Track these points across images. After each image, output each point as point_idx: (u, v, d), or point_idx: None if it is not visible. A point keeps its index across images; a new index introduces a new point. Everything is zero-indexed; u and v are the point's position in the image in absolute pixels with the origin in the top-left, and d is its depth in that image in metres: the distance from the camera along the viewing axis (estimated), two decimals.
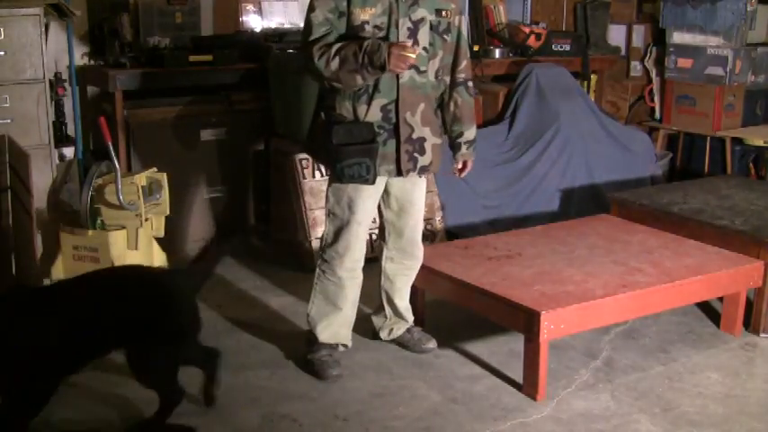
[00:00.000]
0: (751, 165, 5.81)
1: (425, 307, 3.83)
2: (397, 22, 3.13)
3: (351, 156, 3.12)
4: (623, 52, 6.30)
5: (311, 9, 3.14)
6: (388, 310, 3.60)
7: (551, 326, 3.12)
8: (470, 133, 3.43)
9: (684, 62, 5.93)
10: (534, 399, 3.20)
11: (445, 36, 3.25)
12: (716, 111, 5.78)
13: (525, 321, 3.16)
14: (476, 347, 3.64)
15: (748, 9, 5.77)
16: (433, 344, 3.60)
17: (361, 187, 3.23)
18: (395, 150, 3.23)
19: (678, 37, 6.05)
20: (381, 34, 3.11)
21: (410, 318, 3.64)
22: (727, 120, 5.81)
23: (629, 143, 5.44)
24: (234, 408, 3.12)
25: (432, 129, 3.28)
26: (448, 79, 3.34)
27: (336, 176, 3.19)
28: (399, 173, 3.26)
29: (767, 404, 3.23)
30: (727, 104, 5.79)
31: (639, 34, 6.31)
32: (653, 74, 6.25)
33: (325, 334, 3.40)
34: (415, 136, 3.24)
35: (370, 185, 3.22)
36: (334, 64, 3.03)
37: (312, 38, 3.10)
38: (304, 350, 3.45)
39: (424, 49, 3.19)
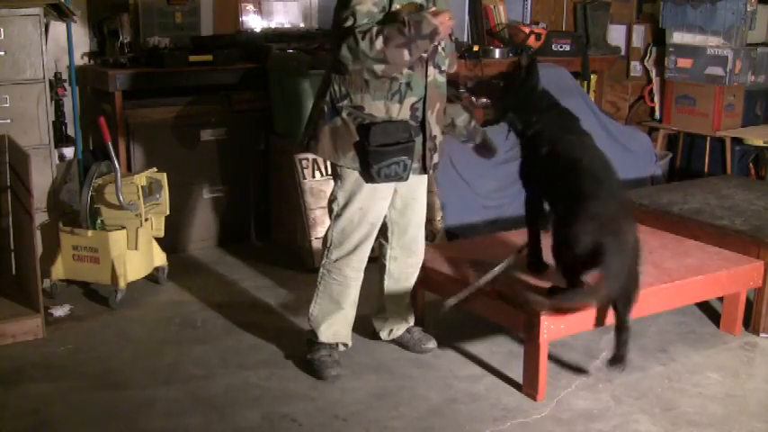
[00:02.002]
0: (751, 165, 5.81)
1: (425, 307, 3.83)
2: None
3: (391, 156, 3.11)
4: (623, 52, 6.30)
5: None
6: (389, 310, 3.60)
7: (551, 326, 3.12)
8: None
9: (684, 62, 5.93)
10: (534, 399, 3.20)
11: (452, 37, 3.32)
12: (716, 111, 5.79)
13: (525, 321, 3.16)
14: (476, 347, 3.64)
15: (748, 9, 5.77)
16: (432, 344, 3.60)
17: (376, 189, 3.22)
18: (422, 148, 3.25)
19: (678, 37, 6.05)
20: None
21: (411, 318, 3.64)
22: (727, 120, 5.81)
23: (629, 143, 5.44)
24: (234, 408, 3.12)
25: (440, 127, 3.33)
26: None
27: (371, 177, 3.16)
28: (423, 170, 3.29)
29: (767, 404, 3.23)
30: (727, 104, 5.79)
31: (639, 34, 6.31)
32: (653, 74, 6.25)
33: (326, 334, 3.39)
34: (433, 133, 3.27)
35: (404, 182, 3.23)
36: (379, 43, 2.97)
37: (354, 25, 3.00)
38: (304, 350, 3.45)
39: (443, 48, 3.24)
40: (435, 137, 3.29)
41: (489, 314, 3.41)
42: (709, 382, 3.36)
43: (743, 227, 3.92)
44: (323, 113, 3.20)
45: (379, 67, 3.03)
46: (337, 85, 3.16)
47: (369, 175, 3.16)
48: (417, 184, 3.38)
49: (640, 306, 3.40)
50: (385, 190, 3.26)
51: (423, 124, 3.22)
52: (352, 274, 3.33)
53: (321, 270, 3.38)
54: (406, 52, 3.01)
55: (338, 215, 3.29)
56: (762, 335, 3.79)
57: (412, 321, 3.65)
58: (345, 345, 3.47)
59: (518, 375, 3.30)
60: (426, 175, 3.39)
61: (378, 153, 3.10)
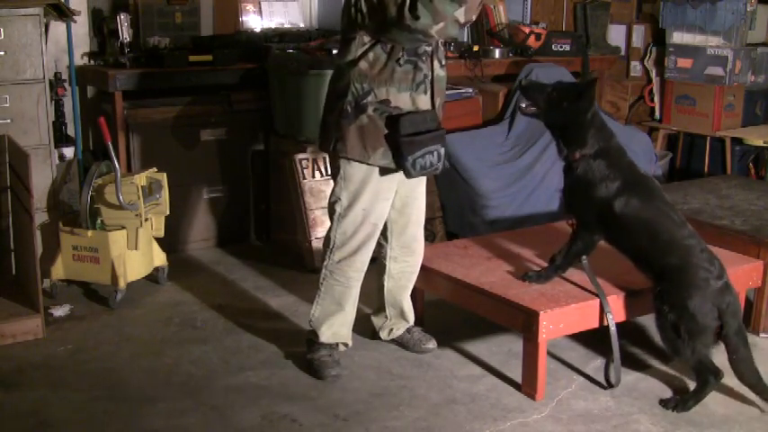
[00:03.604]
0: (751, 165, 5.80)
1: (425, 307, 3.83)
2: None
3: (423, 145, 3.07)
4: (623, 52, 6.30)
5: None
6: (390, 310, 3.59)
7: (550, 326, 3.13)
8: None
9: (684, 62, 5.92)
10: (533, 399, 3.20)
11: None
12: (716, 111, 5.78)
13: (524, 321, 3.16)
14: (475, 347, 3.65)
15: (748, 9, 5.77)
16: (432, 344, 3.60)
17: (379, 189, 3.21)
18: None
19: (678, 37, 6.05)
20: None
21: (412, 318, 3.64)
22: (727, 120, 5.81)
23: (629, 143, 5.40)
24: (234, 408, 3.12)
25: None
26: None
27: (407, 171, 3.10)
28: None
29: (767, 404, 3.23)
30: (727, 104, 5.79)
31: (639, 34, 6.30)
32: (653, 74, 6.24)
33: (326, 334, 3.38)
34: None
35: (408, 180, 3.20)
36: None
37: None
38: (304, 350, 3.45)
39: (442, 43, 3.24)
40: None
41: (488, 314, 3.41)
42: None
43: (743, 227, 3.92)
44: (345, 114, 3.13)
45: (460, 12, 2.90)
46: (358, 83, 3.10)
47: (405, 170, 3.10)
48: (417, 183, 3.37)
49: (641, 306, 3.41)
50: (387, 190, 3.25)
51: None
52: (355, 275, 3.32)
53: (323, 271, 3.35)
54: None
55: (342, 216, 3.25)
56: (762, 335, 3.79)
57: (412, 321, 3.65)
58: (346, 344, 3.47)
59: (518, 375, 3.30)
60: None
61: (410, 143, 3.05)
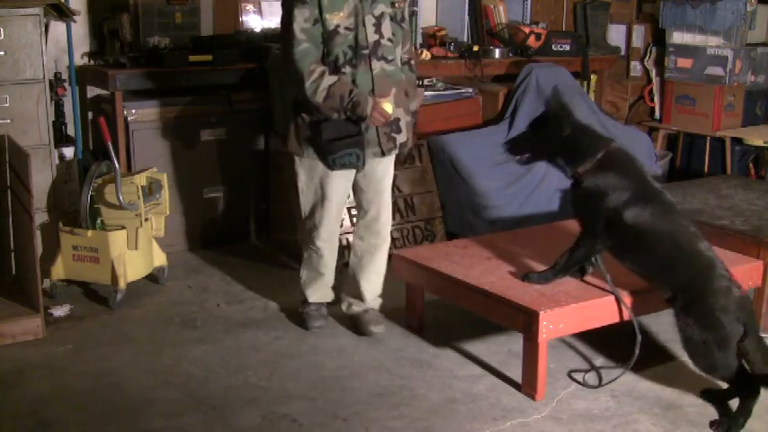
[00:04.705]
0: (751, 165, 5.81)
1: (425, 307, 3.83)
2: (364, 21, 3.36)
3: (342, 149, 3.38)
4: (623, 52, 6.30)
5: (290, 17, 3.31)
6: (348, 284, 3.80)
7: (550, 326, 3.13)
8: (414, 105, 3.67)
9: (684, 62, 5.93)
10: (533, 399, 3.20)
11: (402, 25, 3.51)
12: (716, 111, 5.79)
13: (524, 321, 3.16)
14: (475, 347, 3.65)
15: (748, 9, 5.77)
16: (379, 328, 3.71)
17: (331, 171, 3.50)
18: (376, 135, 3.48)
19: (678, 37, 6.05)
20: (352, 34, 3.34)
21: (370, 300, 3.76)
22: (726, 120, 5.81)
23: (629, 143, 5.38)
24: (234, 408, 3.12)
25: (404, 108, 3.53)
26: None
27: (329, 166, 3.44)
28: (383, 153, 3.52)
29: (767, 404, 3.23)
30: (726, 104, 5.79)
31: (639, 34, 6.31)
32: (653, 74, 6.25)
33: (313, 297, 3.78)
34: (391, 118, 3.46)
35: (360, 169, 3.51)
36: (321, 96, 3.30)
37: (297, 48, 3.31)
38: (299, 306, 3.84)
39: (389, 39, 3.43)
40: (397, 119, 3.49)
41: (488, 314, 3.41)
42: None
43: (743, 227, 3.92)
44: (291, 112, 3.56)
45: (313, 104, 3.35)
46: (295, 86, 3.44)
47: (327, 165, 3.45)
48: (377, 164, 3.58)
49: (641, 306, 3.41)
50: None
51: None
52: (323, 245, 3.64)
53: (301, 239, 3.77)
54: (335, 115, 3.36)
55: (301, 192, 3.60)
56: (762, 335, 3.78)
57: (369, 303, 3.77)
58: (330, 302, 3.85)
59: (517, 375, 3.30)
60: (391, 157, 3.62)
61: (330, 146, 3.37)
